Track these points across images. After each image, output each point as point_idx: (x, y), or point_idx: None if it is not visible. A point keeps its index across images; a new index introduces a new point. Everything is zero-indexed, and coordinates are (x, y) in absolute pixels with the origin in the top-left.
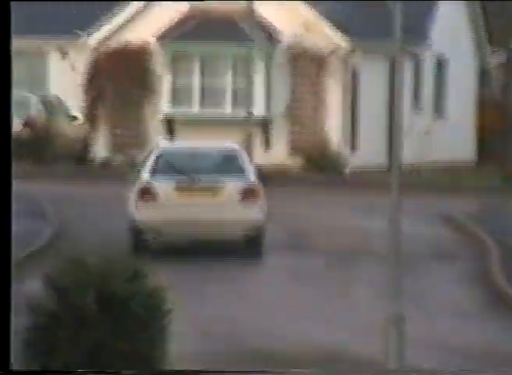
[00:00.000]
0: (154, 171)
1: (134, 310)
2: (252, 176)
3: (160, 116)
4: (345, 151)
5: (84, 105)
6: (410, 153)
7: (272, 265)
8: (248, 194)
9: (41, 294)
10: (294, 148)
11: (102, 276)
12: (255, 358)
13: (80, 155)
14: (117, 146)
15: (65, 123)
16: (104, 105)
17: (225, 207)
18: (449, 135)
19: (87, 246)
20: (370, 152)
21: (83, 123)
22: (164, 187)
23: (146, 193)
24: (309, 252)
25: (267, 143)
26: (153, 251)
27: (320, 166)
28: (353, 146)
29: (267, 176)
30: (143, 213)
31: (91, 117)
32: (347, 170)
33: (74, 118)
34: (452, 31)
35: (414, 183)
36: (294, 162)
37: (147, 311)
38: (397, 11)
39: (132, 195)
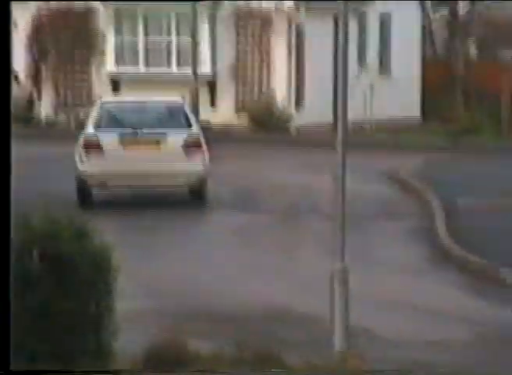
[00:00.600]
0: (98, 124)
1: (80, 269)
2: (195, 129)
3: (105, 75)
4: (291, 109)
5: (27, 64)
6: (355, 110)
7: (217, 222)
8: (191, 145)
9: None
10: (239, 107)
11: (47, 235)
12: (201, 317)
13: (23, 115)
14: (61, 105)
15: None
16: (48, 64)
17: (168, 158)
18: (394, 90)
19: (32, 206)
20: (316, 110)
21: (26, 83)
22: (108, 139)
23: (91, 145)
24: (255, 210)
25: (212, 101)
26: (99, 203)
27: (265, 124)
28: (299, 104)
29: (212, 133)
30: (88, 166)
31: (35, 76)
32: (293, 128)
33: (16, 77)
34: None
35: (359, 141)
36: (240, 121)
37: (93, 269)
38: None
39: (77, 149)
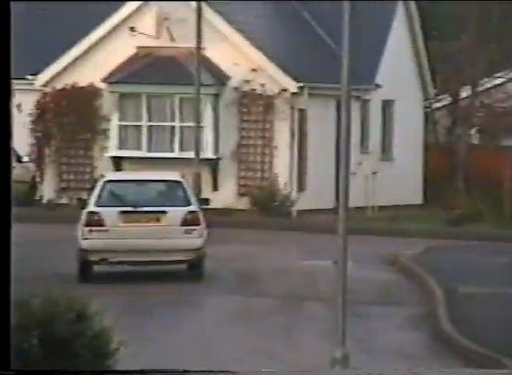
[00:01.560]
0: (100, 200)
1: (78, 353)
2: (194, 205)
3: (108, 158)
4: (293, 192)
5: (31, 146)
6: (357, 194)
7: (218, 305)
8: (189, 220)
9: None
10: (242, 190)
11: (46, 318)
12: None
13: (27, 197)
14: (64, 187)
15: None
16: (51, 146)
17: (168, 234)
18: (396, 176)
19: (32, 288)
20: (318, 194)
21: (30, 165)
22: (109, 215)
23: (92, 221)
24: (255, 293)
25: (215, 184)
26: (99, 277)
27: (267, 207)
28: (301, 187)
29: (215, 216)
30: (90, 242)
31: (38, 158)
32: (295, 212)
33: (20, 159)
34: (398, 74)
35: (360, 227)
36: (242, 204)
37: (92, 353)
38: (345, 54)
39: (79, 225)
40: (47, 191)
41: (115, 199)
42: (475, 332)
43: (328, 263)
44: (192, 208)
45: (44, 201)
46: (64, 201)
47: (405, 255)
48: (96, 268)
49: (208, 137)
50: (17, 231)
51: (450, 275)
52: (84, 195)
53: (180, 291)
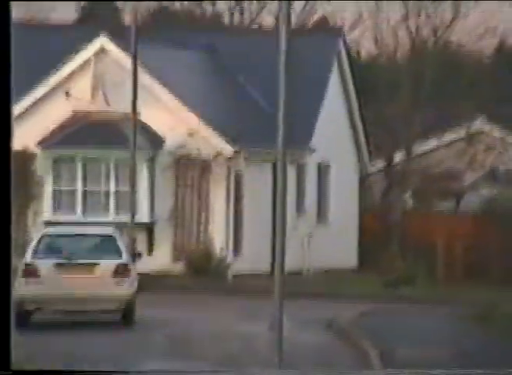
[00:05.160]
0: (36, 252)
1: None
2: (125, 257)
3: (42, 222)
4: (228, 256)
5: None
6: (292, 257)
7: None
8: (120, 272)
9: None
10: (177, 253)
11: None
12: None
13: None
14: None
15: None
16: None
17: (99, 283)
18: (331, 240)
19: None
20: (254, 257)
21: None
22: (45, 266)
23: (28, 272)
24: (191, 358)
25: (150, 248)
26: (35, 325)
27: (203, 271)
28: (237, 250)
29: (149, 280)
30: (25, 290)
31: None
32: (230, 275)
33: None
34: (333, 138)
35: (296, 290)
36: (178, 267)
37: None
38: (280, 117)
39: (15, 276)
40: None
41: (51, 252)
42: None
43: (264, 327)
44: (123, 260)
45: None
46: None
47: (341, 318)
48: (33, 316)
49: (143, 200)
50: None
51: (385, 337)
52: (18, 261)
53: (111, 357)
